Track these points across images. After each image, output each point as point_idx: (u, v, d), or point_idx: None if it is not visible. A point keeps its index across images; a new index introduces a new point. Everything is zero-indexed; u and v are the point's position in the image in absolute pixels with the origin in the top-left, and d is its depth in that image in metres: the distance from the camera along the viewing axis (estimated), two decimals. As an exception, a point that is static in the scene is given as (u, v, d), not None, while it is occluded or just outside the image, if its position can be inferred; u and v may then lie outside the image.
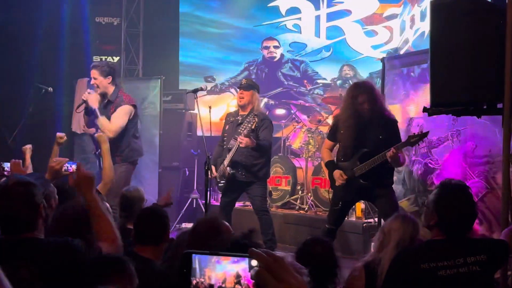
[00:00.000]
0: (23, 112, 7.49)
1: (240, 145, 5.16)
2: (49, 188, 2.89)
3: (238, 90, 5.63)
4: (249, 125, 5.18)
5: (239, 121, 5.48)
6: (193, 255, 1.20)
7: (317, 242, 2.79)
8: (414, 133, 4.44)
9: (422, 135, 4.37)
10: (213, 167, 5.45)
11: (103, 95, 5.35)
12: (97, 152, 5.61)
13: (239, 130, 5.37)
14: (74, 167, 3.93)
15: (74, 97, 8.26)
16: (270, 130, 5.48)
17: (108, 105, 5.33)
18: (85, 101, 5.25)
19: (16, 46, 7.94)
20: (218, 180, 5.56)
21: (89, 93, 5.27)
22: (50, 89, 7.08)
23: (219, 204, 5.85)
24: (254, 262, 1.11)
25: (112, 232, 2.43)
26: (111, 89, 5.33)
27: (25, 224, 2.23)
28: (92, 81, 5.36)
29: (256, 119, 5.14)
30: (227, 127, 5.66)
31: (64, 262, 2.17)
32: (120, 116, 5.27)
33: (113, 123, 5.23)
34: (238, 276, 1.18)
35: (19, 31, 7.91)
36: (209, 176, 5.19)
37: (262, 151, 5.39)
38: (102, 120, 5.21)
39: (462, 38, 3.15)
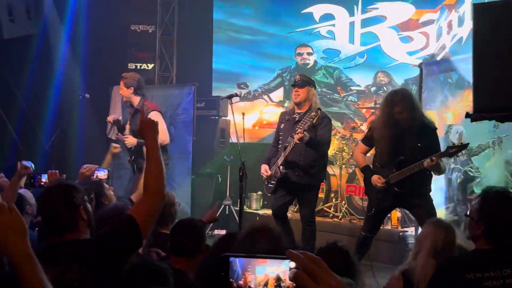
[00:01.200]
0: (60, 118, 7.63)
1: (296, 140, 4.80)
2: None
3: (292, 87, 5.31)
4: (310, 120, 4.82)
5: (296, 119, 5.17)
6: (231, 258, 1.18)
7: (331, 249, 2.70)
8: (453, 143, 4.32)
9: (462, 147, 4.23)
10: (265, 166, 5.29)
11: (130, 105, 5.70)
12: (131, 160, 5.80)
13: (297, 128, 5.02)
14: (103, 173, 3.99)
15: (110, 104, 8.39)
16: (329, 129, 5.20)
17: (136, 113, 5.58)
18: (111, 123, 5.67)
19: (52, 54, 8.10)
20: (269, 180, 5.29)
21: (113, 118, 5.75)
22: (87, 95, 7.21)
23: (271, 210, 5.49)
24: (292, 264, 1.10)
25: (159, 184, 2.41)
26: (135, 99, 5.67)
27: (65, 225, 2.30)
28: (120, 91, 5.78)
29: (319, 113, 4.83)
30: (282, 125, 5.35)
31: (111, 258, 2.21)
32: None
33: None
34: (278, 279, 1.16)
35: (55, 40, 8.07)
36: (265, 177, 5.22)
37: (319, 150, 5.08)
38: None
39: (506, 41, 3.04)
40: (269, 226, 2.26)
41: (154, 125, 2.52)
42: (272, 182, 5.25)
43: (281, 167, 5.11)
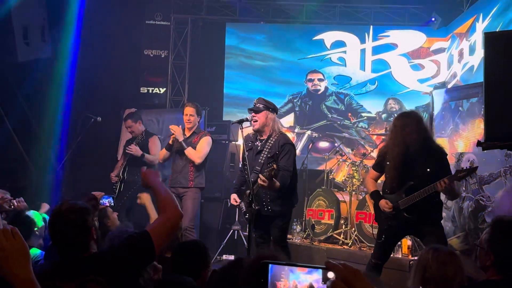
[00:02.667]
0: (72, 141, 7.68)
1: (261, 183, 4.66)
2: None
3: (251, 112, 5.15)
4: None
5: (259, 148, 5.06)
6: (270, 265, 1.21)
7: None
8: (462, 168, 4.28)
9: (470, 170, 4.19)
10: (234, 195, 5.21)
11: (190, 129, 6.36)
12: (122, 176, 6.48)
13: (260, 160, 4.98)
14: (107, 201, 4.05)
15: (121, 127, 8.44)
16: (291, 157, 4.97)
17: (192, 136, 6.31)
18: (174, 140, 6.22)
19: (66, 77, 8.20)
20: (245, 211, 5.14)
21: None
22: (99, 118, 7.26)
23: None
24: (331, 274, 1.13)
25: (174, 205, 2.54)
26: (196, 125, 6.41)
27: (78, 248, 2.34)
28: (187, 117, 6.33)
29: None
30: (246, 153, 5.09)
31: (125, 270, 2.25)
32: (205, 146, 6.25)
33: (200, 151, 6.21)
34: (311, 287, 1.19)
35: (68, 63, 8.17)
36: (237, 204, 5.23)
37: (285, 183, 4.91)
38: (189, 150, 6.17)
39: (518, 70, 3.04)
40: (273, 255, 2.24)
41: (154, 173, 2.73)
42: (246, 217, 5.06)
43: (253, 204, 4.80)
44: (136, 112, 7.64)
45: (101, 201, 4.00)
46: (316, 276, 1.17)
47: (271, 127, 5.04)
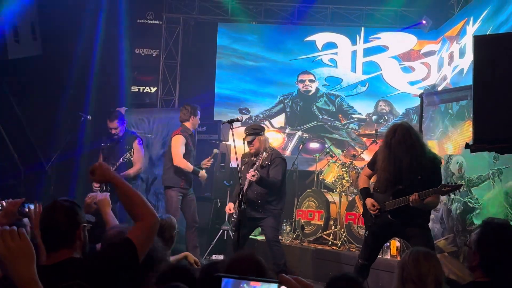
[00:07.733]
0: (61, 140, 7.64)
1: (249, 178, 5.39)
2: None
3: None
4: (259, 160, 5.52)
5: (254, 161, 5.67)
6: (223, 279, 1.19)
7: (345, 279, 2.64)
8: (448, 183, 4.29)
9: (455, 187, 4.18)
10: (230, 204, 5.79)
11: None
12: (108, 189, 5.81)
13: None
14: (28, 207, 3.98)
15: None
16: (280, 169, 5.65)
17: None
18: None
19: (56, 75, 8.16)
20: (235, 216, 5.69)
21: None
22: (89, 117, 7.23)
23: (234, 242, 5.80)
24: None
25: (148, 208, 2.38)
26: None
27: (64, 238, 2.29)
28: (195, 123, 6.87)
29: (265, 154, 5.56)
30: (242, 167, 5.84)
31: (108, 278, 2.22)
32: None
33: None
34: None
35: (59, 61, 8.13)
36: (228, 214, 5.73)
37: (270, 188, 5.59)
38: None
39: (507, 73, 3.07)
40: (251, 255, 2.25)
41: (105, 169, 2.53)
42: (234, 217, 5.70)
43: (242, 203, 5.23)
44: (117, 110, 7.39)
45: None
46: None
47: (262, 147, 5.71)
